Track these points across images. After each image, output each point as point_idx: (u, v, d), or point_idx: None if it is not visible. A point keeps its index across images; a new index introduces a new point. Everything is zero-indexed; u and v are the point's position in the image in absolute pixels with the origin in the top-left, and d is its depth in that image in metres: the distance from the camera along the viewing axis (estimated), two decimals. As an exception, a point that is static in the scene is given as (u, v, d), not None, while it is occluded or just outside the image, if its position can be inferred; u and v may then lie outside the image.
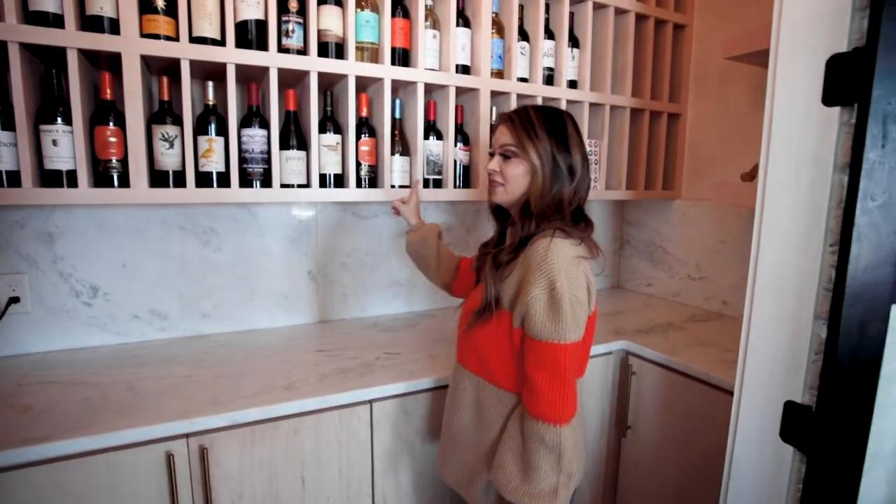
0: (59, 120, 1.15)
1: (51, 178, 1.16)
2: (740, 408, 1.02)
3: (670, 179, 2.08)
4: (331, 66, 1.36)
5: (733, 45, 1.56)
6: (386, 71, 1.43)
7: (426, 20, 1.48)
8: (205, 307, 1.58)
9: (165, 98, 1.27)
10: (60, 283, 1.41)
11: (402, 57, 1.47)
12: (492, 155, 1.08)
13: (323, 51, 1.37)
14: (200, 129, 1.29)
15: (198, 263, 1.55)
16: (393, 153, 1.50)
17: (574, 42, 1.75)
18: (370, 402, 1.23)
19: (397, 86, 1.55)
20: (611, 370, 1.62)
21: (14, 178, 1.14)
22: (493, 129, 1.11)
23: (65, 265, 1.41)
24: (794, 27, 0.87)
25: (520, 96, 1.67)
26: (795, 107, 0.89)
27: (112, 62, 1.21)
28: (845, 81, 0.79)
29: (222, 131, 1.31)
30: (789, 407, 0.92)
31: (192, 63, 1.25)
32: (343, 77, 1.41)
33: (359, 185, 1.46)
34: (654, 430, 1.54)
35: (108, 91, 1.21)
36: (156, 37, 1.19)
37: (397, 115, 1.52)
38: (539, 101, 1.68)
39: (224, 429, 1.09)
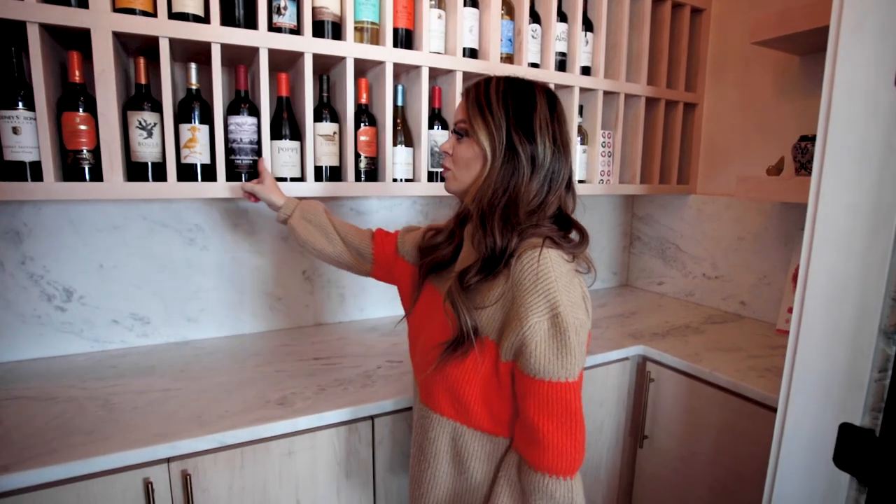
0: (21, 105, 1.03)
1: (12, 171, 1.03)
2: (785, 427, 0.92)
3: (685, 173, 1.97)
4: (327, 47, 1.23)
5: (761, 29, 1.45)
6: (387, 53, 1.31)
7: (431, -1, 1.36)
8: (190, 311, 1.46)
9: (143, 81, 1.14)
10: (30, 285, 1.28)
11: (405, 39, 1.35)
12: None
13: (318, 30, 1.24)
14: (182, 116, 1.17)
15: (182, 263, 1.43)
16: (395, 144, 1.38)
17: (588, 26, 1.63)
18: (372, 417, 1.12)
19: (400, 70, 1.42)
20: (627, 376, 1.52)
21: (-30, 171, 1.01)
22: None
23: (35, 266, 1.28)
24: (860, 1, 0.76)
25: (530, 83, 1.55)
26: (860, 90, 0.78)
27: (81, 40, 1.08)
28: (927, 61, 0.69)
29: (207, 119, 1.18)
30: (846, 430, 0.82)
31: (173, 42, 1.12)
32: (340, 60, 1.28)
33: (357, 178, 1.34)
34: (675, 442, 1.44)
35: (77, 73, 1.08)
36: (131, 11, 1.06)
37: (399, 103, 1.40)
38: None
39: (210, 451, 0.97)
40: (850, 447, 0.81)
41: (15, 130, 1.03)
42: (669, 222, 2.07)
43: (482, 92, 0.82)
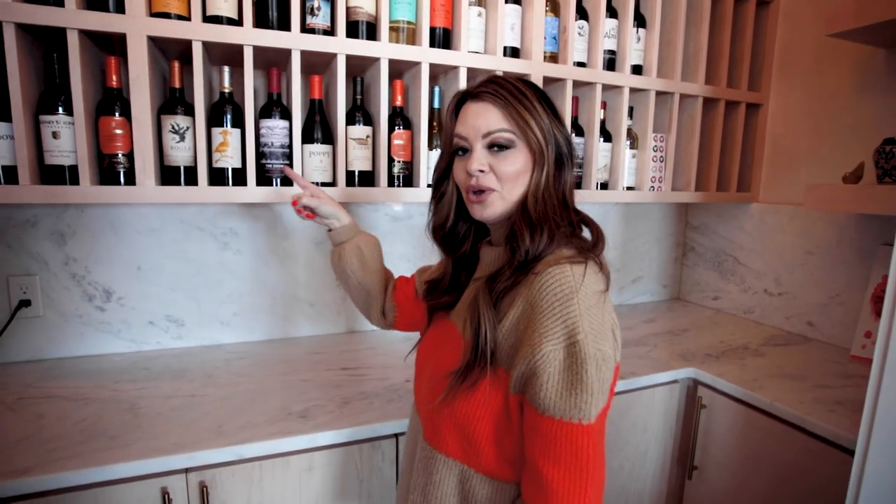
0: (61, 110, 1.04)
1: (51, 175, 1.05)
2: (864, 474, 0.80)
3: (746, 180, 1.82)
4: (361, 48, 1.20)
5: (839, 19, 1.30)
6: (424, 54, 1.25)
7: (470, -4, 1.30)
8: (223, 314, 1.46)
9: (177, 85, 1.14)
10: (73, 285, 1.31)
11: (443, 38, 1.30)
12: (461, 151, 0.76)
13: (352, 31, 1.21)
14: (215, 120, 1.16)
15: (217, 267, 1.43)
16: (431, 148, 1.32)
17: (640, 21, 1.52)
18: (395, 435, 1.06)
19: (437, 71, 1.37)
20: (675, 400, 1.40)
21: (11, 174, 1.03)
22: (456, 109, 0.77)
23: (77, 267, 1.31)
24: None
25: (576, 83, 1.46)
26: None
27: (119, 44, 1.09)
28: None
29: (239, 122, 1.17)
30: (941, 488, 0.69)
31: (208, 45, 1.12)
32: (375, 61, 1.24)
33: (391, 183, 1.30)
34: (728, 475, 1.31)
35: (115, 78, 1.08)
36: (166, 16, 1.06)
37: (436, 105, 1.34)
38: (598, 90, 1.47)
39: (228, 464, 0.95)
40: (946, 509, 0.69)
41: (55, 135, 1.04)
42: (727, 233, 1.91)
43: (516, 91, 0.72)
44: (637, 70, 1.54)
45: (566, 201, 0.75)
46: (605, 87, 1.50)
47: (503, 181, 0.72)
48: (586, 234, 0.75)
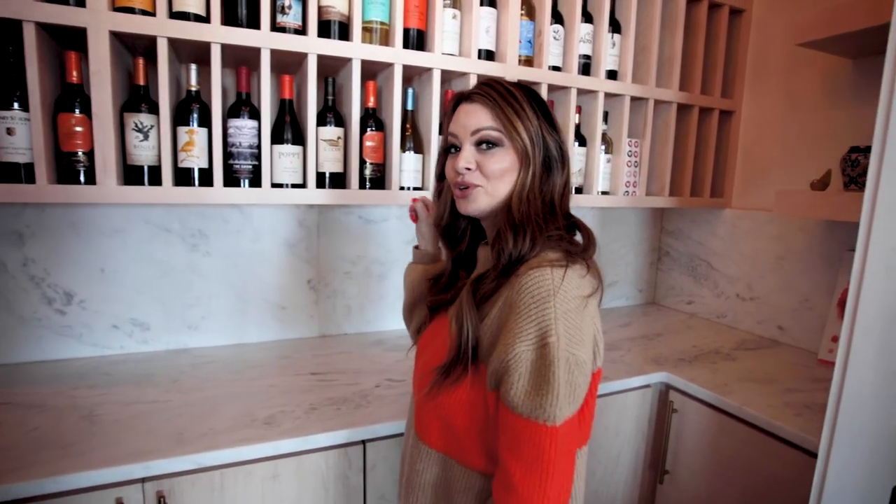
0: (16, 105, 1.00)
1: (5, 172, 1.01)
2: (826, 480, 0.80)
3: (720, 185, 1.84)
4: (333, 48, 1.18)
5: (808, 30, 1.32)
6: (397, 55, 1.24)
7: (445, -3, 1.29)
8: (191, 318, 1.42)
9: (141, 82, 1.10)
10: (31, 287, 1.26)
11: (417, 40, 1.28)
12: (453, 149, 0.79)
13: (324, 31, 1.19)
14: (181, 118, 1.13)
15: (184, 269, 1.40)
16: (403, 150, 1.31)
17: (615, 27, 1.53)
18: (363, 442, 1.04)
19: (410, 73, 1.36)
20: (648, 405, 1.40)
21: (-37, 172, 0.99)
22: (452, 108, 0.80)
23: (36, 268, 1.26)
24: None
25: (551, 87, 1.46)
26: (924, 97, 0.66)
27: (80, 39, 1.05)
28: None
29: (206, 122, 1.14)
30: (899, 493, 0.70)
31: (175, 42, 1.09)
32: (347, 61, 1.23)
33: (362, 185, 1.28)
34: (699, 480, 1.31)
35: (75, 73, 1.05)
36: (130, 10, 1.03)
37: (409, 107, 1.33)
38: (573, 94, 1.47)
39: (188, 472, 0.92)
40: (904, 514, 0.69)
41: (9, 131, 1.00)
42: (701, 238, 1.93)
43: (506, 93, 0.74)
44: (612, 75, 1.55)
45: (554, 204, 0.76)
46: (580, 92, 1.50)
47: (489, 178, 0.74)
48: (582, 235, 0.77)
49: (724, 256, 1.85)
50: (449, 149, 0.80)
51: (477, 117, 0.74)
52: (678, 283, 2.04)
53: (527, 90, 0.77)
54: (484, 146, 0.74)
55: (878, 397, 0.72)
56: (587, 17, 1.49)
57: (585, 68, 1.51)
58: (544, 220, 0.73)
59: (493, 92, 0.74)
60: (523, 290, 0.66)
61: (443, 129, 0.83)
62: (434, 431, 0.77)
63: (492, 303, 0.71)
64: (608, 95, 1.55)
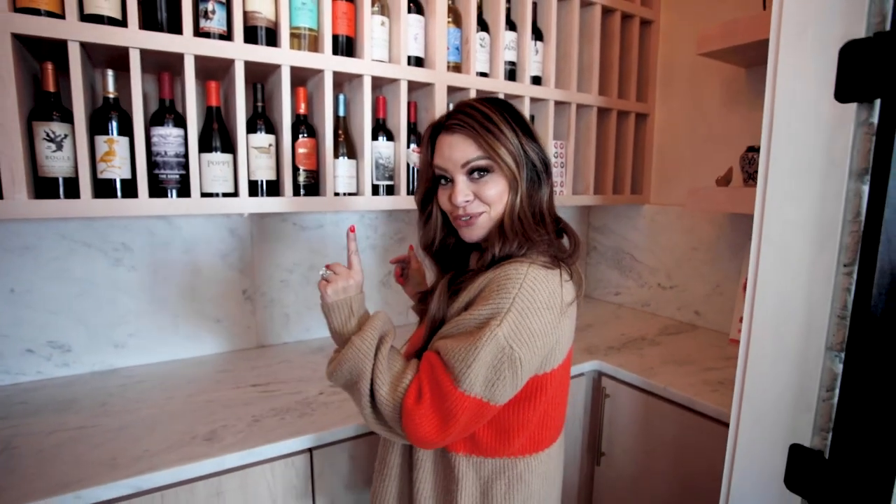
0: None
1: None
2: (737, 446, 0.90)
3: (639, 183, 1.97)
4: (260, 54, 1.16)
5: (707, 41, 1.46)
6: (326, 61, 1.24)
7: (373, 5, 1.31)
8: (117, 336, 1.34)
9: (51, 89, 1.04)
10: (-72, 314, 1.15)
11: (346, 46, 1.29)
12: (443, 180, 0.81)
13: (251, 36, 1.17)
14: (98, 127, 1.07)
15: (107, 286, 1.32)
16: (336, 156, 1.31)
17: (538, 35, 1.61)
18: (310, 450, 1.04)
19: (341, 79, 1.36)
20: (583, 393, 1.49)
21: None
22: (431, 140, 0.82)
23: (-67, 293, 1.15)
24: (800, 9, 0.75)
25: (479, 92, 1.51)
26: (802, 104, 0.76)
27: (-22, 44, 0.97)
28: (864, 73, 0.67)
29: (127, 130, 1.09)
30: (796, 451, 0.79)
31: (86, 46, 1.03)
32: (276, 68, 1.21)
33: (296, 192, 1.27)
34: (631, 459, 1.41)
35: (-26, 80, 0.97)
36: (34, 12, 0.96)
37: (341, 113, 1.33)
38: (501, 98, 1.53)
39: (123, 498, 0.88)
40: (801, 469, 0.79)
41: None
42: (624, 232, 2.06)
43: (482, 117, 0.76)
44: (536, 80, 1.62)
45: (543, 213, 0.80)
46: (508, 97, 1.57)
47: (490, 203, 0.78)
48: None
49: (645, 249, 1.98)
50: (438, 180, 0.82)
51: (463, 150, 0.77)
52: (606, 276, 2.16)
53: (499, 106, 0.79)
54: (476, 174, 0.77)
55: (775, 367, 0.82)
56: (511, 25, 1.56)
57: (511, 74, 1.58)
58: (536, 232, 0.77)
59: (469, 120, 0.76)
60: (495, 279, 0.72)
61: (420, 156, 0.86)
62: None
63: (464, 288, 0.77)
64: (533, 100, 1.62)
